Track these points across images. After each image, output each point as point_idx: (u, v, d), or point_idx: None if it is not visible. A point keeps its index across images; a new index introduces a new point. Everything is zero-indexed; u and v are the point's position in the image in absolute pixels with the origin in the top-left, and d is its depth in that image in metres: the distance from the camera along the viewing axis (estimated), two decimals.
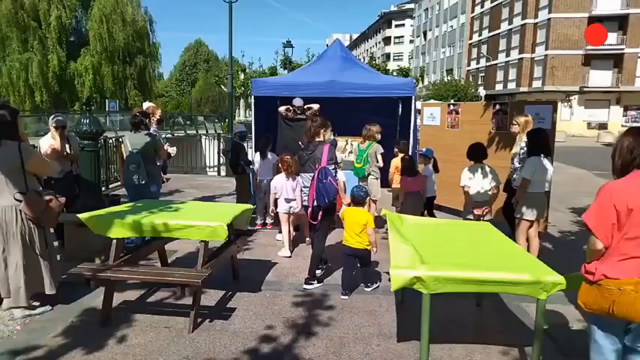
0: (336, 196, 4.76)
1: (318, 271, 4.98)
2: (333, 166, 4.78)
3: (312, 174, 4.80)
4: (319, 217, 4.76)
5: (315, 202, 4.70)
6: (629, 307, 2.28)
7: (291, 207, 5.91)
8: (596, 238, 2.38)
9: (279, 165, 6.04)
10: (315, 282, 4.81)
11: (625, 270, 2.33)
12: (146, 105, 7.13)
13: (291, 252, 5.90)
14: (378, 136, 6.79)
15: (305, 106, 7.39)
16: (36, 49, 30.50)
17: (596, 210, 2.41)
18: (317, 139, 4.88)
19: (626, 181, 2.42)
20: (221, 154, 13.19)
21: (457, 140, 6.91)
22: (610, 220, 2.35)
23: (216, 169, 14.59)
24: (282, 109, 7.61)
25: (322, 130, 4.87)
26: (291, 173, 5.84)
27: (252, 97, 8.66)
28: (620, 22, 38.02)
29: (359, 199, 4.66)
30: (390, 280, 3.00)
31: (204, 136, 18.12)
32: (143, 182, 5.60)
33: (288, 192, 5.87)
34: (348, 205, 4.75)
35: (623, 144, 2.48)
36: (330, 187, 4.61)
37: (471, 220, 5.29)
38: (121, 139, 10.56)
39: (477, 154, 5.53)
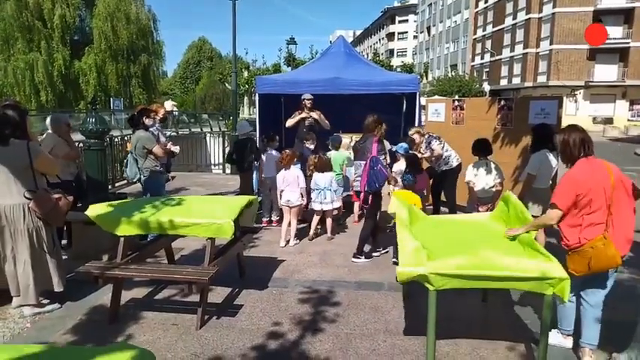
0: (385, 182, 5.33)
1: (375, 253, 5.61)
2: (383, 156, 5.35)
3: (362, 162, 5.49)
4: (370, 201, 5.36)
5: (367, 188, 5.28)
6: (603, 257, 3.02)
7: (288, 200, 6.15)
8: (559, 210, 3.13)
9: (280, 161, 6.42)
10: (363, 257, 5.42)
11: (593, 233, 3.06)
12: (168, 104, 7.45)
13: (287, 243, 6.11)
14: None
15: (316, 114, 7.61)
16: (41, 48, 30.58)
17: (562, 195, 3.15)
18: (369, 133, 5.53)
19: (582, 169, 3.12)
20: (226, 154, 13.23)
21: (462, 136, 6.89)
22: (572, 200, 3.09)
23: (221, 166, 14.62)
24: (290, 122, 7.74)
25: (378, 126, 5.54)
26: (286, 165, 6.22)
27: (257, 94, 8.69)
28: (625, 16, 37.73)
29: (408, 183, 5.33)
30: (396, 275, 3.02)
31: (208, 134, 18.13)
32: (135, 179, 5.92)
33: (288, 185, 6.17)
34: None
35: (576, 138, 3.16)
36: (379, 173, 5.21)
37: None
38: (126, 138, 10.66)
39: (481, 149, 5.52)
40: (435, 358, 3.07)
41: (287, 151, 6.45)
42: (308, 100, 7.53)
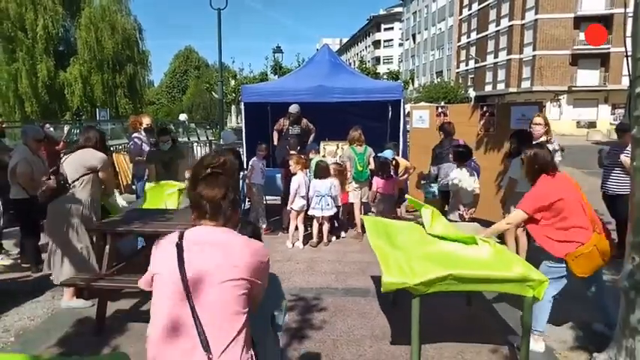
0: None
1: None
2: None
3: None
4: None
5: None
6: (607, 248, 3.34)
7: (303, 205, 6.34)
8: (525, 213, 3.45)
9: (291, 164, 6.50)
10: None
11: (583, 236, 3.31)
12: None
13: (293, 245, 6.38)
14: None
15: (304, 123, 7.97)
16: (24, 59, 30.28)
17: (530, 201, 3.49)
18: (450, 137, 6.30)
19: (550, 180, 3.45)
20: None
21: None
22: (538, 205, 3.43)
23: None
24: (276, 128, 8.15)
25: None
26: (302, 170, 6.42)
27: (242, 103, 8.73)
28: (605, 22, 38.47)
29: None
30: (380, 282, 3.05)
31: (195, 143, 18.08)
32: None
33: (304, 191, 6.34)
34: None
35: (545, 155, 3.54)
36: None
37: (457, 220, 5.35)
38: (113, 149, 10.65)
39: (463, 155, 5.61)
40: None
41: (302, 156, 6.68)
42: (292, 113, 7.73)
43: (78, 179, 4.29)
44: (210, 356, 1.47)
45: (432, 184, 6.45)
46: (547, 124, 5.43)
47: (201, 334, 1.48)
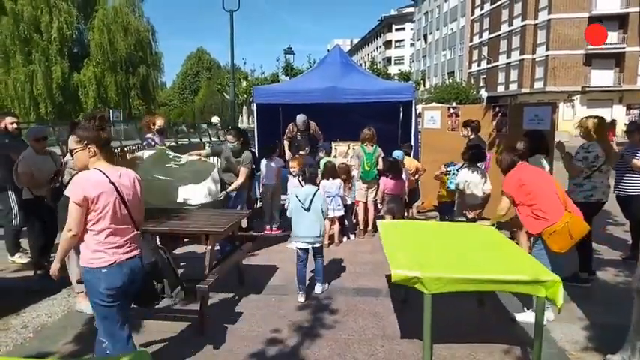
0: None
1: None
2: None
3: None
4: None
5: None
6: (578, 226, 3.69)
7: None
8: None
9: (292, 166, 6.38)
10: None
11: (555, 215, 3.72)
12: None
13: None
14: None
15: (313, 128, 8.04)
16: (39, 61, 30.74)
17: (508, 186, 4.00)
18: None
19: (523, 169, 4.02)
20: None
21: (457, 143, 6.96)
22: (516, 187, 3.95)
23: None
24: (287, 136, 8.21)
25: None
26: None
27: (254, 104, 8.79)
28: (620, 21, 37.99)
29: None
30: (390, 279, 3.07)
31: (207, 144, 18.22)
32: None
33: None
34: None
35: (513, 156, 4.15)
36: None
37: (463, 221, 5.34)
38: (126, 149, 10.78)
39: (475, 157, 5.60)
40: None
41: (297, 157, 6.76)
42: (299, 125, 7.95)
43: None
44: (137, 230, 2.86)
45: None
46: (587, 129, 5.00)
47: (134, 221, 2.82)
